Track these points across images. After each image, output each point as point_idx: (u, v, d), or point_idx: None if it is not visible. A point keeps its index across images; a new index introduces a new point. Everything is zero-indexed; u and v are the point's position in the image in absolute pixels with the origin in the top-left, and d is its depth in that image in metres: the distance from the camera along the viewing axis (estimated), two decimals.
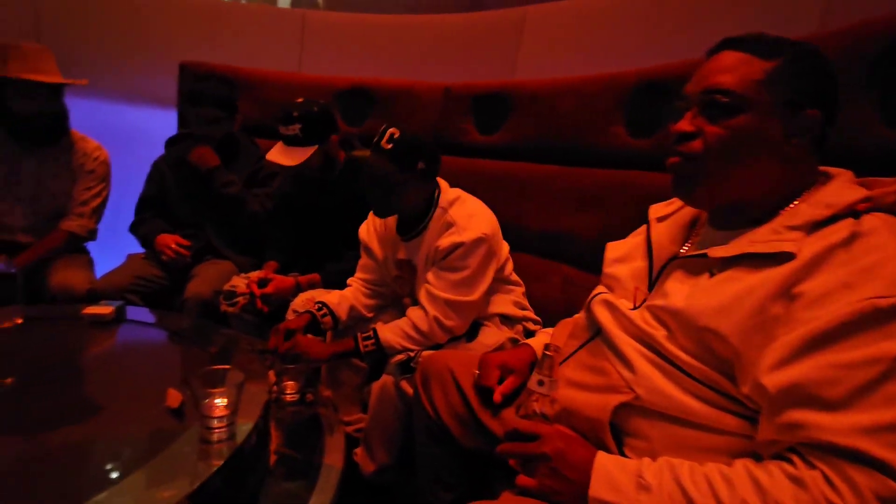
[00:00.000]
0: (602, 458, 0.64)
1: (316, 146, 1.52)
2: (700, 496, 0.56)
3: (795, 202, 0.66)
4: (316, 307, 1.37)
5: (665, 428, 0.66)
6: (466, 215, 1.24)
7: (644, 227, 0.90)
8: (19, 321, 1.20)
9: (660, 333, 0.68)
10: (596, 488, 0.61)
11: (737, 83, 0.66)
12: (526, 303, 1.40)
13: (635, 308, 0.76)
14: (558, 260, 1.59)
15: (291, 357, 1.10)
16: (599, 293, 0.82)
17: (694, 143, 0.69)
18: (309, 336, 1.31)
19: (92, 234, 1.79)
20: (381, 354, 1.21)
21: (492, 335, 1.26)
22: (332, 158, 1.62)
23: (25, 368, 1.08)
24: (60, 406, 0.95)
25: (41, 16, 2.24)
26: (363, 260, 1.46)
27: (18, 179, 1.66)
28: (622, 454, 0.68)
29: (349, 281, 1.49)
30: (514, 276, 1.39)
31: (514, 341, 1.29)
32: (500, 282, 1.32)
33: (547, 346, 0.74)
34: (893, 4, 0.98)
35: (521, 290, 1.41)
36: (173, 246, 1.71)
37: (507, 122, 1.80)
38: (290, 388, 1.07)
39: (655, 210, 0.89)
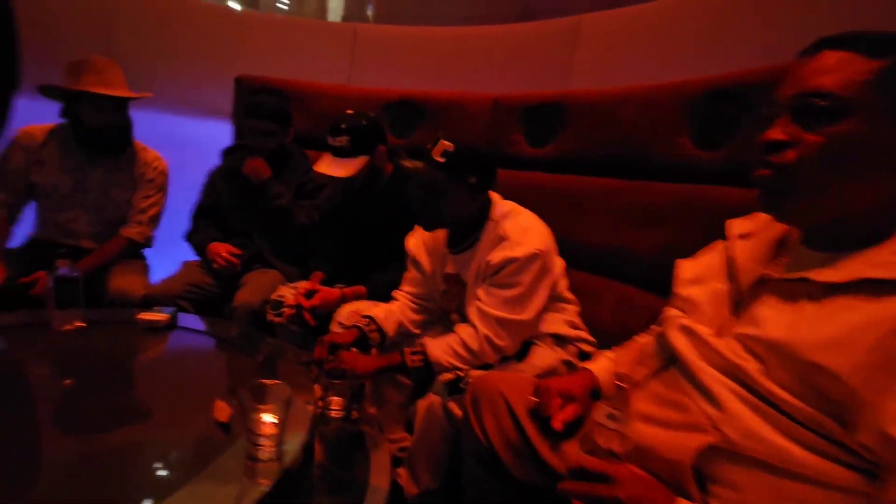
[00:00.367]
0: None
1: (365, 157, 1.52)
2: None
3: None
4: (364, 322, 1.35)
5: (759, 477, 0.58)
6: (520, 229, 1.18)
7: (720, 244, 0.82)
8: (80, 324, 1.23)
9: (752, 366, 0.60)
10: None
11: (839, 85, 0.58)
12: (580, 322, 1.32)
13: (719, 335, 0.68)
14: (614, 278, 1.51)
15: (337, 373, 1.07)
16: (675, 317, 0.74)
17: (787, 153, 0.62)
18: (354, 350, 1.28)
19: (149, 241, 1.85)
20: (428, 371, 1.16)
21: (544, 356, 1.19)
22: (380, 169, 1.61)
23: (84, 371, 1.12)
24: (113, 410, 0.97)
25: (113, 32, 2.38)
26: (410, 273, 1.43)
27: (85, 188, 1.73)
28: None
29: (395, 294, 1.45)
30: (569, 294, 1.32)
31: (568, 363, 1.21)
32: (553, 300, 1.25)
33: (619, 377, 0.67)
34: None
35: (576, 308, 1.33)
36: (224, 254, 1.75)
37: (560, 133, 1.74)
38: (336, 405, 1.04)
39: (735, 226, 0.80)
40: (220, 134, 2.33)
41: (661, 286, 1.37)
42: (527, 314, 1.14)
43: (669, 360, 0.72)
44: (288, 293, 1.64)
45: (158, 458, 0.82)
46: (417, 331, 1.41)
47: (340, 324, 1.48)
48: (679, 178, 1.40)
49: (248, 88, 2.24)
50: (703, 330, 0.69)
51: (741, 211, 1.07)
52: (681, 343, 0.70)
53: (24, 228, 1.77)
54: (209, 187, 1.93)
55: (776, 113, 0.64)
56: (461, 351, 1.14)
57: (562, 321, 1.26)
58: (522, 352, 1.19)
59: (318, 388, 1.06)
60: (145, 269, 1.83)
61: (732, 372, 0.62)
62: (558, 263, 1.28)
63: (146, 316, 1.30)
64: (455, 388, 1.08)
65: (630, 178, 1.53)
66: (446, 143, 1.15)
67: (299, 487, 0.85)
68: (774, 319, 0.61)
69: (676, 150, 1.40)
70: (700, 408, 0.63)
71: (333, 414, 1.04)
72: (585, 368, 0.93)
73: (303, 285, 1.63)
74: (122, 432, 0.88)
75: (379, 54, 2.61)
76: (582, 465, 0.64)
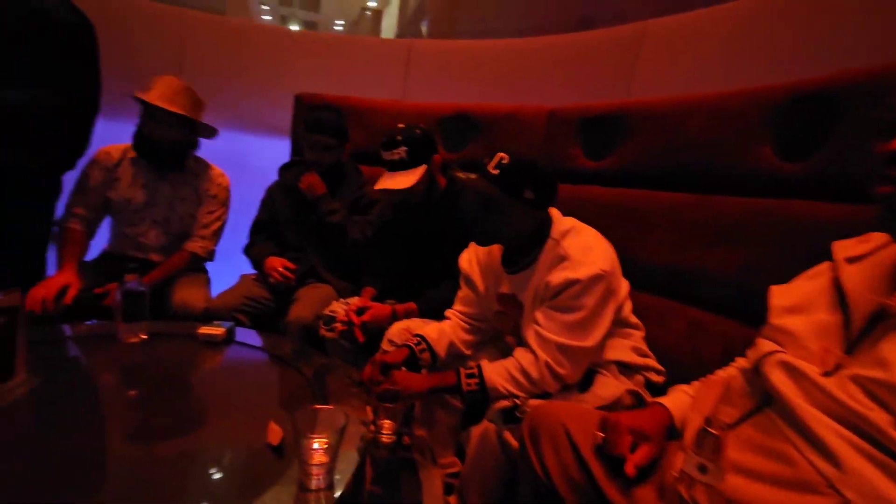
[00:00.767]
0: None
1: (423, 167, 1.50)
2: None
3: None
4: (415, 341, 1.31)
5: None
6: (582, 248, 1.10)
7: (824, 268, 0.71)
8: (144, 336, 1.27)
9: (880, 417, 0.51)
10: None
11: None
12: (647, 349, 1.22)
13: (828, 374, 0.58)
14: (684, 301, 1.39)
15: (390, 395, 1.03)
16: (772, 351, 0.65)
17: None
18: (404, 370, 1.25)
19: (211, 255, 1.91)
20: (482, 396, 1.10)
21: (608, 386, 1.09)
22: (434, 181, 1.59)
23: (143, 384, 1.15)
24: (167, 425, 0.98)
25: (185, 54, 2.53)
26: (463, 291, 1.38)
27: (155, 203, 1.82)
28: None
29: (447, 313, 1.41)
30: (634, 319, 1.22)
31: (635, 394, 1.12)
32: (618, 324, 1.16)
33: (709, 422, 0.59)
34: None
35: (641, 334, 1.23)
36: (280, 269, 1.78)
37: (621, 145, 1.65)
38: (387, 428, 1.00)
39: (843, 248, 0.70)
40: (278, 151, 2.40)
41: (738, 311, 1.26)
42: (590, 340, 1.06)
43: (765, 400, 0.63)
44: (340, 308, 1.64)
45: (210, 482, 0.81)
46: (469, 351, 1.36)
47: (391, 342, 1.45)
48: (757, 192, 1.28)
49: (307, 106, 2.30)
50: (810, 368, 0.59)
51: (831, 228, 0.95)
52: (781, 382, 0.60)
53: (99, 242, 1.88)
54: (267, 202, 1.98)
55: None
56: (520, 377, 1.07)
57: (627, 347, 1.17)
58: (585, 380, 1.10)
59: (369, 411, 1.03)
60: (207, 282, 1.89)
61: (852, 421, 0.53)
62: (623, 285, 1.19)
63: (205, 330, 1.32)
64: (511, 417, 1.01)
65: (698, 192, 1.42)
66: (502, 154, 1.10)
67: None
68: None
69: (754, 160, 1.28)
70: (810, 462, 0.54)
71: (385, 439, 1.00)
72: (659, 403, 0.84)
73: (355, 301, 1.62)
74: (176, 450, 0.89)
75: (433, 69, 2.62)
76: None
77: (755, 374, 0.65)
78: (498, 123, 2.04)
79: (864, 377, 0.53)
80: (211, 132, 1.87)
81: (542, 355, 1.06)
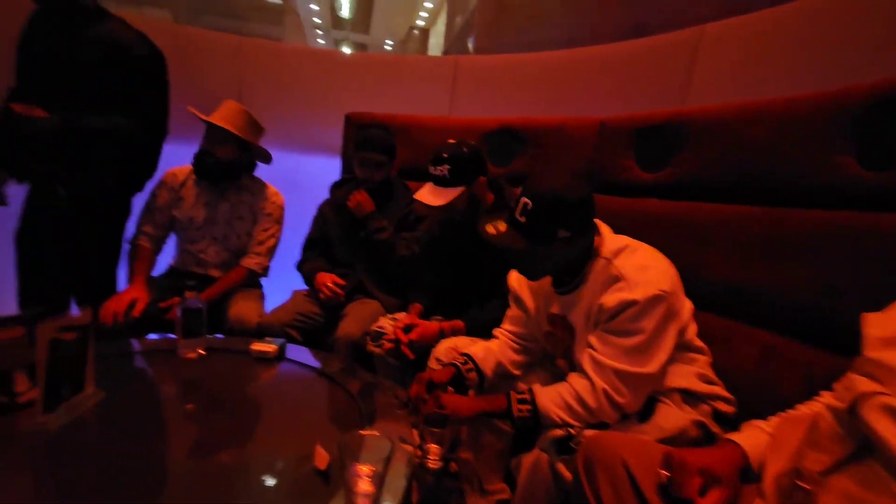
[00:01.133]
0: None
1: (463, 187, 1.48)
2: None
3: None
4: (461, 360, 1.28)
5: None
6: (638, 268, 1.03)
7: None
8: (202, 352, 1.32)
9: None
10: None
11: None
12: (713, 375, 1.12)
13: None
14: (752, 323, 1.28)
15: (438, 420, 1.00)
16: (872, 391, 0.57)
17: None
18: (450, 390, 1.22)
19: (265, 271, 1.98)
20: (534, 422, 1.05)
21: (671, 416, 1.01)
22: (480, 200, 1.57)
23: (198, 399, 1.20)
24: (221, 440, 1.01)
25: (243, 78, 2.67)
26: (512, 311, 1.34)
27: (215, 221, 1.91)
28: None
29: (495, 332, 1.37)
30: (698, 342, 1.13)
31: (701, 425, 1.03)
32: (681, 348, 1.07)
33: (798, 473, 0.52)
34: None
35: (707, 359, 1.14)
36: (330, 284, 1.81)
37: (678, 155, 1.56)
38: (434, 454, 0.98)
39: None
40: (330, 169, 2.47)
41: (819, 337, 1.14)
42: (651, 366, 0.98)
43: (864, 447, 0.55)
44: (388, 324, 1.64)
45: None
46: (518, 372, 1.32)
47: (438, 360, 1.43)
48: (836, 205, 1.16)
49: (356, 124, 2.36)
50: None
51: None
52: (887, 429, 0.53)
53: (165, 258, 1.98)
54: (318, 220, 2.03)
55: None
56: (575, 405, 1.01)
57: (692, 374, 1.08)
58: (645, 409, 1.02)
59: (415, 434, 1.01)
60: (261, 297, 1.95)
61: None
62: (686, 306, 1.11)
63: (258, 346, 1.36)
64: (565, 447, 0.96)
65: (764, 204, 1.31)
66: (526, 199, 1.03)
67: None
68: None
69: (834, 170, 1.17)
70: None
71: (431, 465, 0.97)
72: (731, 441, 0.76)
73: (402, 318, 1.62)
74: (223, 471, 0.90)
75: (479, 84, 2.61)
76: None
77: (849, 416, 0.57)
78: (545, 136, 2.00)
79: None
80: (265, 156, 1.94)
81: (599, 382, 0.99)
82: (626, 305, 0.98)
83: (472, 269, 1.65)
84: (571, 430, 0.98)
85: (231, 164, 1.87)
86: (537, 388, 1.07)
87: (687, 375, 1.07)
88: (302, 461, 0.86)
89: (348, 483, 0.69)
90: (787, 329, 1.20)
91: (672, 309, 1.01)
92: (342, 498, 0.73)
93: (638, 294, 0.98)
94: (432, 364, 1.44)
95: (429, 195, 1.50)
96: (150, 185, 1.89)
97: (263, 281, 2.04)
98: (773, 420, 0.78)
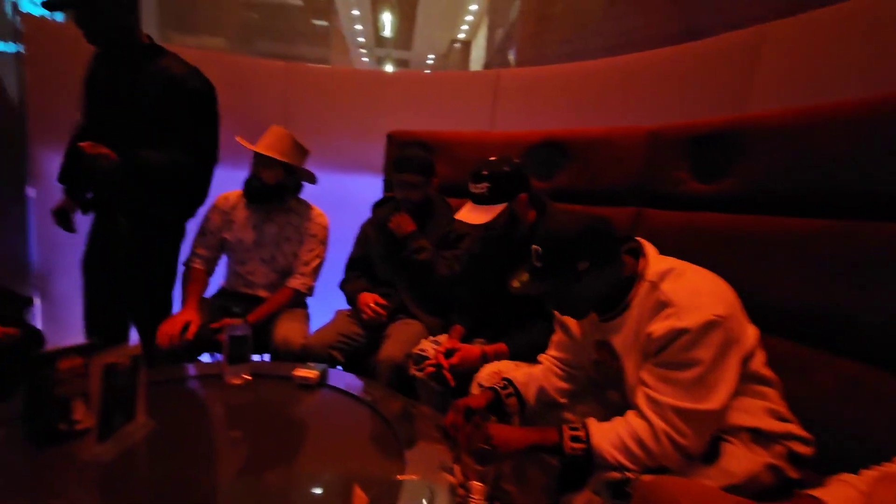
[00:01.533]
0: None
1: (503, 205, 1.44)
2: None
3: None
4: (501, 384, 1.23)
5: None
6: (688, 292, 0.94)
7: None
8: (247, 377, 1.34)
9: None
10: None
11: None
12: (786, 411, 1.00)
13: None
14: (828, 350, 1.15)
15: (487, 456, 0.95)
16: None
17: None
18: (495, 421, 1.17)
19: (311, 291, 2.01)
20: (586, 460, 0.98)
21: (739, 458, 0.91)
22: (520, 218, 1.51)
23: (244, 425, 1.21)
24: (261, 469, 1.01)
25: (289, 102, 2.75)
26: (557, 335, 1.28)
27: (262, 243, 1.96)
28: None
29: (540, 357, 1.31)
30: (768, 372, 1.02)
31: (775, 470, 0.92)
32: (747, 379, 0.96)
33: None
34: None
35: (777, 392, 1.02)
36: (372, 305, 1.81)
37: (738, 165, 1.45)
38: (477, 492, 0.92)
39: None
40: (374, 188, 2.49)
41: None
42: (713, 401, 0.89)
43: None
44: (429, 347, 1.61)
45: None
46: (564, 400, 1.25)
47: (480, 385, 1.39)
48: None
49: (398, 143, 2.37)
50: None
51: None
52: None
53: (216, 278, 2.06)
54: (361, 239, 2.05)
55: None
56: (634, 448, 0.91)
57: (761, 410, 0.97)
58: (710, 451, 0.92)
59: (458, 471, 0.96)
60: (306, 318, 1.98)
61: None
62: (750, 332, 1.00)
63: (300, 372, 1.37)
64: (620, 491, 0.88)
65: (836, 217, 1.18)
66: (535, 246, 1.03)
67: None
68: None
69: None
70: None
71: None
72: (815, 498, 0.67)
73: (444, 341, 1.59)
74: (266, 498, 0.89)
75: (521, 97, 2.57)
76: None
77: None
78: (590, 149, 1.92)
79: None
80: (311, 177, 1.98)
81: (659, 423, 0.90)
82: (677, 334, 0.90)
83: None
84: (628, 474, 0.90)
85: (277, 187, 1.92)
86: (592, 423, 0.99)
87: (756, 412, 0.96)
88: (340, 498, 0.84)
89: None
90: (873, 357, 1.07)
91: (731, 335, 0.91)
92: None
93: (689, 321, 0.89)
94: (474, 390, 1.40)
95: (469, 213, 1.48)
96: (202, 209, 1.97)
97: (309, 300, 2.07)
98: (868, 475, 0.68)
